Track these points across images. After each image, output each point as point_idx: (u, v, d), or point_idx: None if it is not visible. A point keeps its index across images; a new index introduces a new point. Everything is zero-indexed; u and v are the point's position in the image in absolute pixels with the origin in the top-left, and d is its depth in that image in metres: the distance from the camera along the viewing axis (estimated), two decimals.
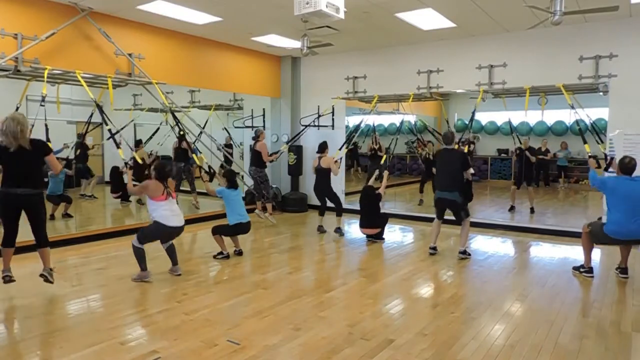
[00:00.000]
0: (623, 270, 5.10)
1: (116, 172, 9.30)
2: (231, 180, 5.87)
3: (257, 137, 8.28)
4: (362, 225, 6.84)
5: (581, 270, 5.19)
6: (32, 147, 4.16)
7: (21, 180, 4.14)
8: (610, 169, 5.76)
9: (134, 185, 5.61)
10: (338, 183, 8.11)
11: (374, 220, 6.76)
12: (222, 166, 7.34)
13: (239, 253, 5.96)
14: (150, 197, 4.89)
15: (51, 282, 4.39)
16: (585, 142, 6.13)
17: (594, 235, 5.07)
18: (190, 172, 8.94)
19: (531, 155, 8.88)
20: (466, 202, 5.92)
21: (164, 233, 4.95)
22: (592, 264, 5.18)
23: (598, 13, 5.55)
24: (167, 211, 4.89)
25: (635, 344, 3.48)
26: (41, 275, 4.37)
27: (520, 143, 9.03)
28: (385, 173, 7.20)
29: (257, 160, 8.19)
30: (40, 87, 5.85)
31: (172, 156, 9.26)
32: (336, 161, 7.45)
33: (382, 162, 8.51)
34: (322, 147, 7.47)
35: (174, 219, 4.93)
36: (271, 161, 8.38)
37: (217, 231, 5.81)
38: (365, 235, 6.88)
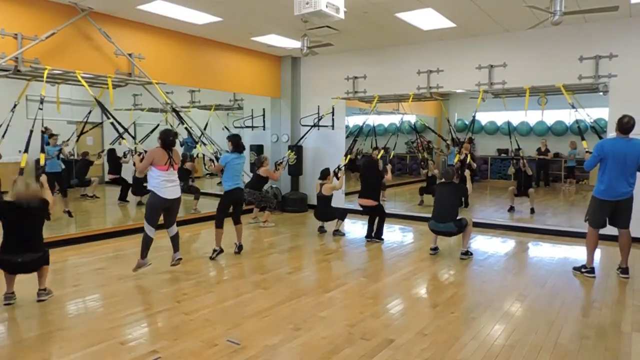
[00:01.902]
0: (624, 270, 5.09)
1: (113, 154, 9.27)
2: (237, 144, 5.86)
3: (260, 164, 7.94)
4: (362, 196, 6.79)
5: (582, 270, 5.17)
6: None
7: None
8: None
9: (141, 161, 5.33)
10: (339, 191, 8.04)
11: (373, 193, 6.73)
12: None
13: (239, 248, 5.99)
14: (154, 165, 4.88)
15: (44, 301, 4.24)
16: (583, 139, 6.18)
17: (591, 215, 5.10)
18: (192, 190, 8.83)
19: (529, 169, 8.82)
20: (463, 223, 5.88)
21: (160, 204, 4.94)
22: (593, 264, 5.18)
23: (598, 13, 5.57)
24: (164, 181, 4.89)
25: (635, 343, 3.48)
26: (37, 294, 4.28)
27: (519, 148, 8.96)
28: (389, 166, 7.17)
29: (257, 183, 7.96)
30: (40, 87, 5.84)
31: None
32: (337, 174, 7.38)
33: (379, 156, 8.27)
34: (325, 174, 7.37)
35: (169, 191, 4.93)
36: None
37: (218, 216, 5.82)
38: (365, 237, 6.87)
